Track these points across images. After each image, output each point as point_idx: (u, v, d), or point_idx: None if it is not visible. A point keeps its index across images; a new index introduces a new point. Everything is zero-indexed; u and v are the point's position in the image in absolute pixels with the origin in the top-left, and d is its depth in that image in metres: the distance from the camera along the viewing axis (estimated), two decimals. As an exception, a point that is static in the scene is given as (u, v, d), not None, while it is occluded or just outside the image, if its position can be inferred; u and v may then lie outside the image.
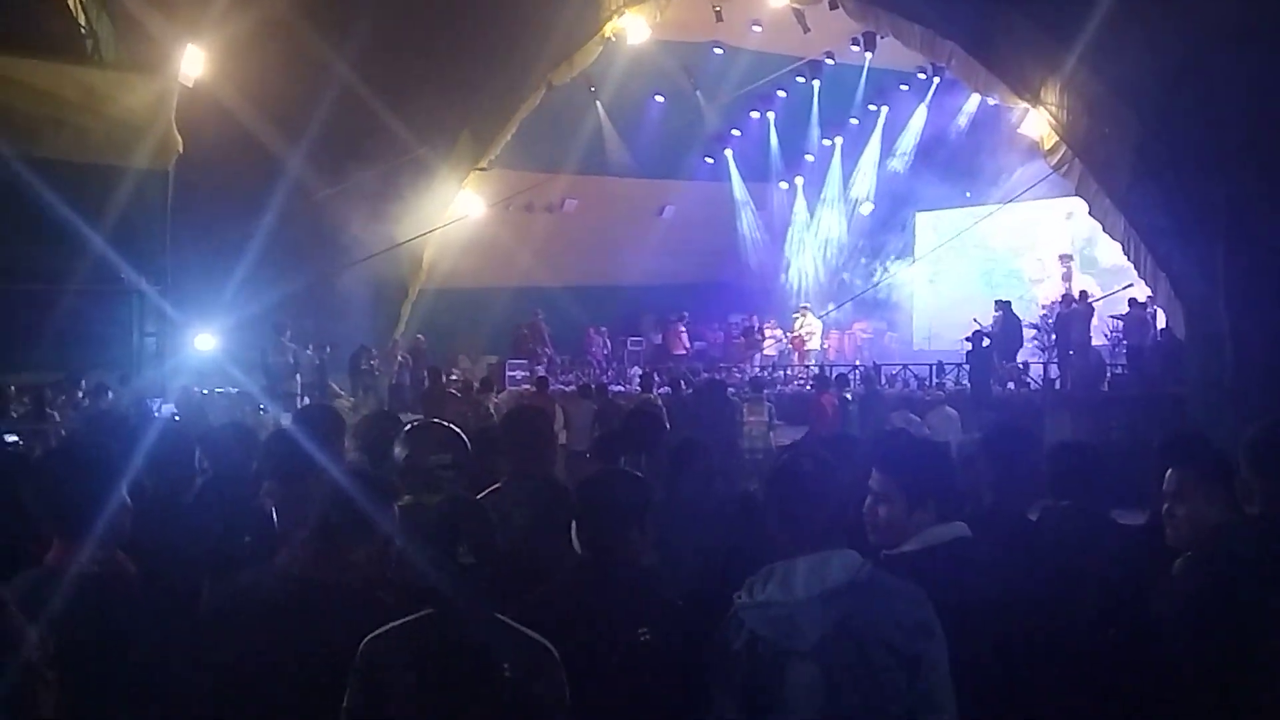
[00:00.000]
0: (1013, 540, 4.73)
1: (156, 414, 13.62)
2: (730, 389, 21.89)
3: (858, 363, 27.47)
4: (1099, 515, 5.37)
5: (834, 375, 23.60)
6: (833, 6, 22.98)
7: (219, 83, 16.54)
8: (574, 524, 4.42)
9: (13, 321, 18.29)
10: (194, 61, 14.77)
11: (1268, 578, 3.60)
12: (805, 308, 29.83)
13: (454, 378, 26.12)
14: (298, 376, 20.98)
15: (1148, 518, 5.27)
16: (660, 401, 18.69)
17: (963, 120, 29.25)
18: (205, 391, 22.13)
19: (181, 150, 14.56)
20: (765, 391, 21.15)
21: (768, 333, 30.01)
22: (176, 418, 14.02)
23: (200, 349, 21.46)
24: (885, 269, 31.32)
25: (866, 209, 32.08)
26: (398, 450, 5.34)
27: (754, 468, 19.37)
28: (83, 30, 15.62)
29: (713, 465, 6.39)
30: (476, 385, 21.98)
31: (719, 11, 24.80)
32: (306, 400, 22.37)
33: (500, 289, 29.06)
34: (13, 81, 13.46)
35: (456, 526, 3.99)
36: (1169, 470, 4.66)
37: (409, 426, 5.58)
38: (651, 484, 4.56)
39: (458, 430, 5.55)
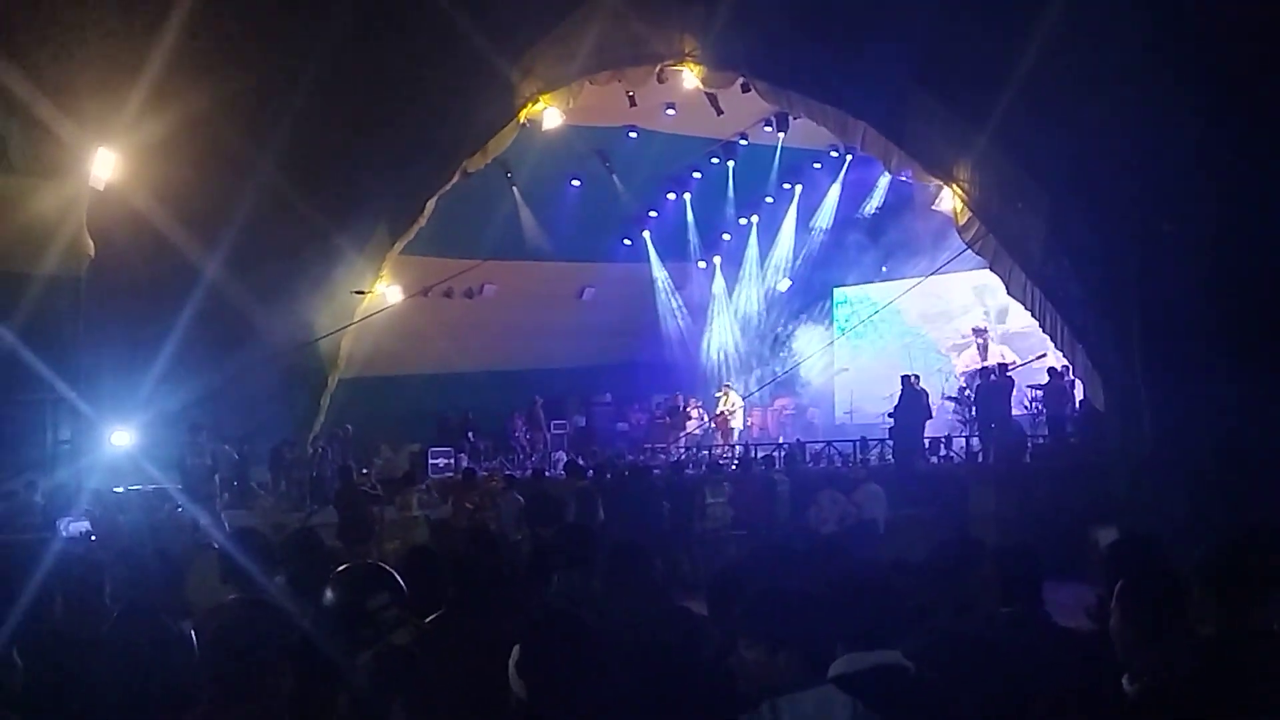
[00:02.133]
0: (962, 660, 4.64)
1: (65, 532, 13.25)
2: (655, 470, 21.88)
3: (781, 439, 27.50)
4: (1048, 625, 5.31)
5: (759, 455, 23.72)
6: (745, 90, 23.20)
7: (130, 185, 16.34)
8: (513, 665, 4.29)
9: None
10: (105, 165, 14.53)
11: (1232, 711, 3.54)
12: (728, 386, 30.00)
13: (375, 464, 25.88)
14: (216, 477, 20.63)
15: (1096, 625, 5.20)
16: (592, 489, 18.54)
17: (877, 197, 29.58)
18: (121, 490, 21.73)
19: (93, 254, 14.31)
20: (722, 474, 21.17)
21: (690, 411, 30.00)
22: (92, 537, 13.67)
23: (116, 445, 21.11)
24: (790, 349, 31.39)
25: (784, 285, 32.29)
26: (329, 595, 5.18)
27: (715, 547, 19.48)
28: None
29: (652, 577, 6.29)
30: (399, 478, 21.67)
31: (632, 96, 24.92)
32: (226, 497, 22.06)
33: (419, 375, 28.87)
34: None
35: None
36: (1118, 584, 4.59)
37: (340, 569, 5.41)
38: (591, 630, 4.41)
39: (387, 568, 5.41)
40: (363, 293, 25.36)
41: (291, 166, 21.65)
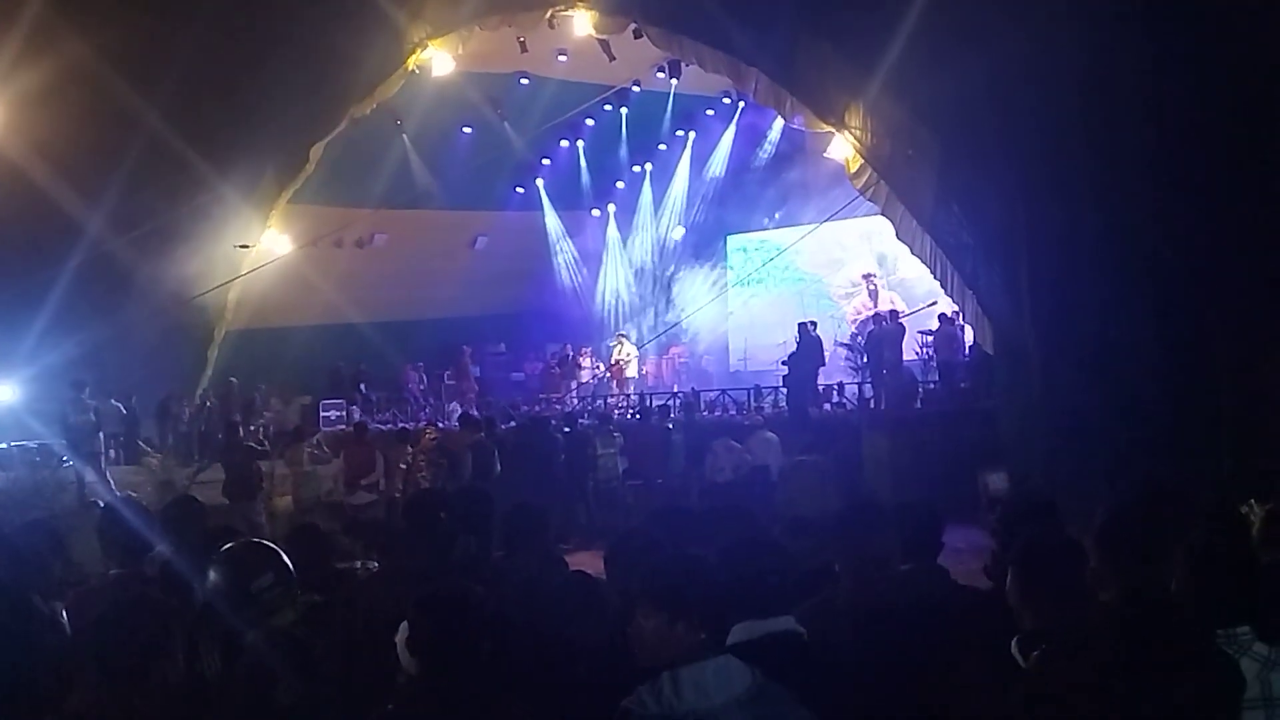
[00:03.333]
0: (859, 624, 4.61)
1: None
2: (551, 420, 21.79)
3: (676, 388, 27.52)
4: (946, 582, 5.29)
5: (655, 404, 23.73)
6: (637, 36, 22.98)
7: (8, 137, 15.82)
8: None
9: None
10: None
11: (1132, 678, 3.53)
12: (622, 335, 29.90)
13: (265, 417, 25.50)
14: (100, 434, 20.16)
15: (991, 586, 5.20)
16: (488, 443, 18.42)
17: (769, 144, 29.56)
18: (4, 445, 21.25)
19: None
20: (613, 424, 21.07)
21: (583, 361, 29.91)
22: None
23: (-2, 399, 20.65)
24: (684, 297, 31.38)
25: (678, 233, 32.24)
26: (213, 576, 5.02)
27: (609, 498, 19.45)
28: None
29: (549, 541, 6.20)
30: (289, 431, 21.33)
31: (523, 42, 24.58)
32: (112, 454, 21.60)
33: (310, 327, 28.44)
34: None
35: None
36: (1015, 548, 4.57)
37: (223, 549, 5.24)
38: (484, 602, 4.31)
39: (272, 546, 5.27)
40: (246, 246, 24.85)
41: (175, 114, 21.14)
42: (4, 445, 21.51)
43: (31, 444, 21.77)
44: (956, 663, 4.49)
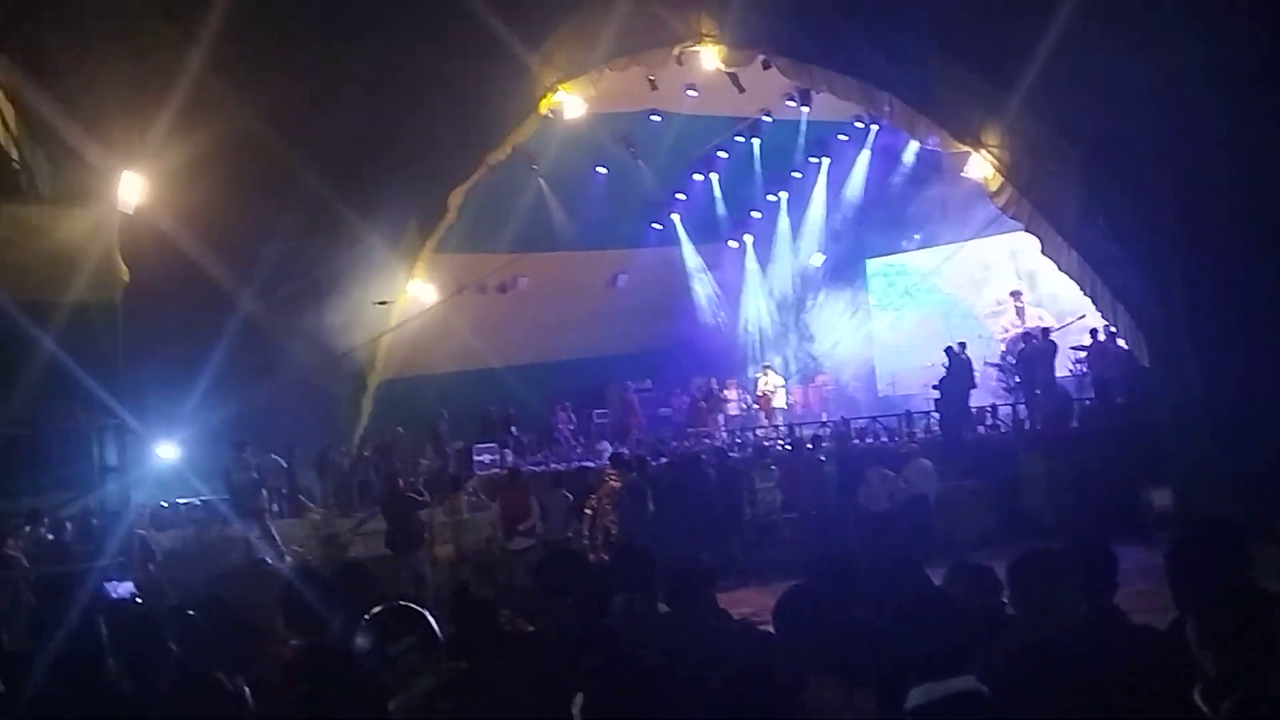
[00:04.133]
0: (1039, 676, 4.51)
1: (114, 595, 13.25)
2: (702, 456, 21.79)
3: (825, 417, 27.33)
4: (1125, 624, 5.17)
5: (805, 434, 23.65)
6: (766, 67, 22.99)
7: (159, 208, 16.39)
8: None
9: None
10: (132, 189, 14.51)
11: None
12: (767, 366, 29.81)
13: (421, 465, 25.89)
14: (264, 491, 20.62)
15: (1170, 624, 5.05)
16: (640, 483, 18.45)
17: (905, 165, 29.28)
18: (166, 504, 21.87)
19: (127, 279, 14.32)
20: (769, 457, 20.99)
21: (728, 394, 29.86)
22: (137, 599, 13.71)
23: (162, 460, 21.19)
24: (828, 323, 31.14)
25: (818, 260, 32.06)
26: (359, 640, 5.09)
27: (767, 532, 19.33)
28: (16, 165, 15.38)
29: (714, 594, 6.17)
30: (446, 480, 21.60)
31: (653, 81, 24.74)
32: (275, 508, 22.03)
33: (458, 373, 28.83)
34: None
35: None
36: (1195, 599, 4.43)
37: (370, 615, 5.28)
38: (657, 671, 4.29)
39: (419, 610, 5.30)
40: (385, 302, 25.28)
41: (326, 173, 21.69)
42: (170, 502, 22.16)
43: (196, 501, 22.42)
44: (1142, 713, 4.39)
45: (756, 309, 33.25)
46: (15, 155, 15.47)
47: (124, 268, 14.22)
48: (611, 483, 18.77)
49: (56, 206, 14.89)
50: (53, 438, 16.11)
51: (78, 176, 15.74)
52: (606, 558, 16.97)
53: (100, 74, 16.42)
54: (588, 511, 18.58)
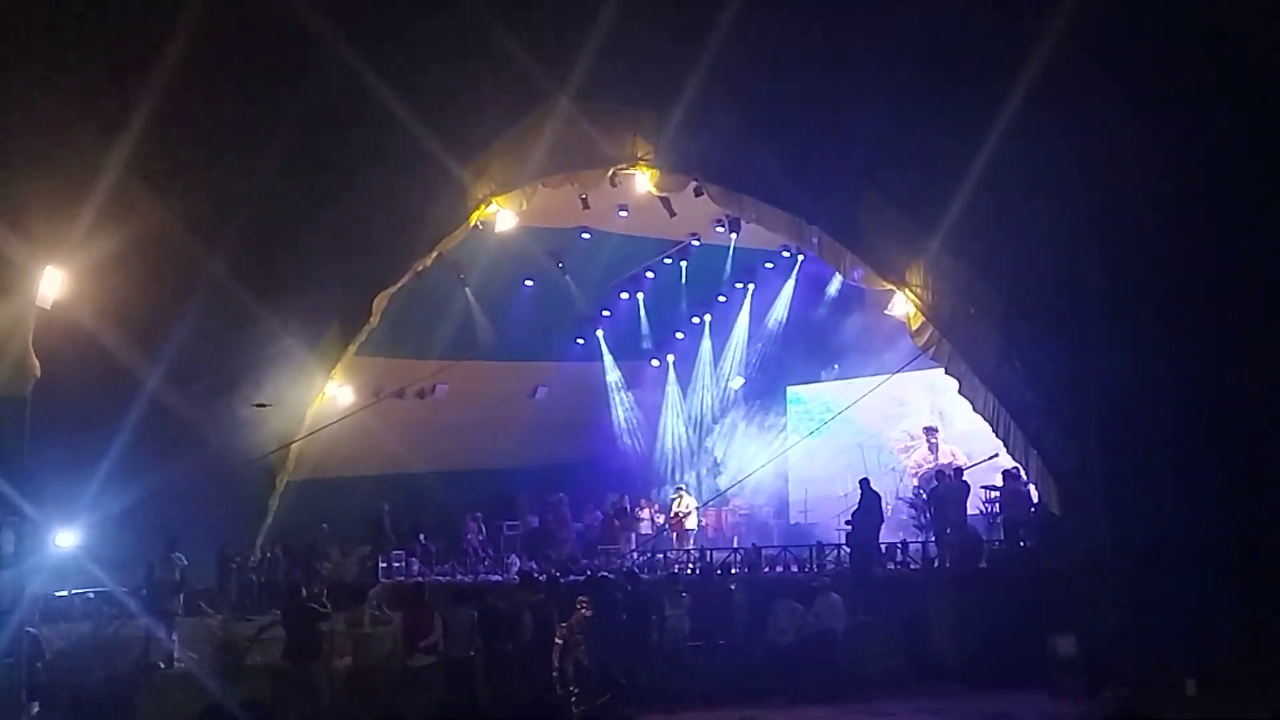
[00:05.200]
0: None
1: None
2: (609, 576, 21.62)
3: (736, 542, 27.25)
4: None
5: (716, 559, 23.60)
6: (698, 194, 23.24)
7: (78, 302, 16.21)
8: None
9: None
10: (53, 283, 14.32)
11: None
12: (681, 488, 29.77)
13: (325, 568, 25.47)
14: (180, 596, 20.16)
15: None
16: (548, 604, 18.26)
17: (830, 295, 29.63)
18: (65, 593, 21.31)
19: (38, 374, 14.05)
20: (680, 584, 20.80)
21: (642, 513, 29.75)
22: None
23: (61, 547, 20.68)
24: (743, 448, 31.20)
25: (737, 383, 32.25)
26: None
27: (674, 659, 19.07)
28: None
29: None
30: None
31: (585, 199, 24.93)
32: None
33: (371, 477, 28.55)
34: None
35: None
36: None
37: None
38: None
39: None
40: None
41: (241, 272, 21.56)
42: (66, 593, 21.60)
43: (91, 593, 21.86)
44: None
45: (674, 429, 33.29)
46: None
47: (36, 362, 13.97)
48: (583, 611, 18.29)
49: (-26, 299, 14.69)
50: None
51: (-2, 270, 15.59)
52: (576, 690, 16.72)
53: (22, 171, 16.29)
54: (559, 641, 17.96)
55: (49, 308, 14.46)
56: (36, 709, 15.03)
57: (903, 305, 21.68)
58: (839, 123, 20.33)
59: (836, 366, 30.08)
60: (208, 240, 20.21)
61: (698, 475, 31.85)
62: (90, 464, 20.75)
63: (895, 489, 25.86)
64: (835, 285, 29.16)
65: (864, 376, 27.29)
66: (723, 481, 30.28)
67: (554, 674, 17.47)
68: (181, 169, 19.08)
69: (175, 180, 18.72)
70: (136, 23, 18.48)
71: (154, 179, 18.16)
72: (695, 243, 28.98)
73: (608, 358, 32.67)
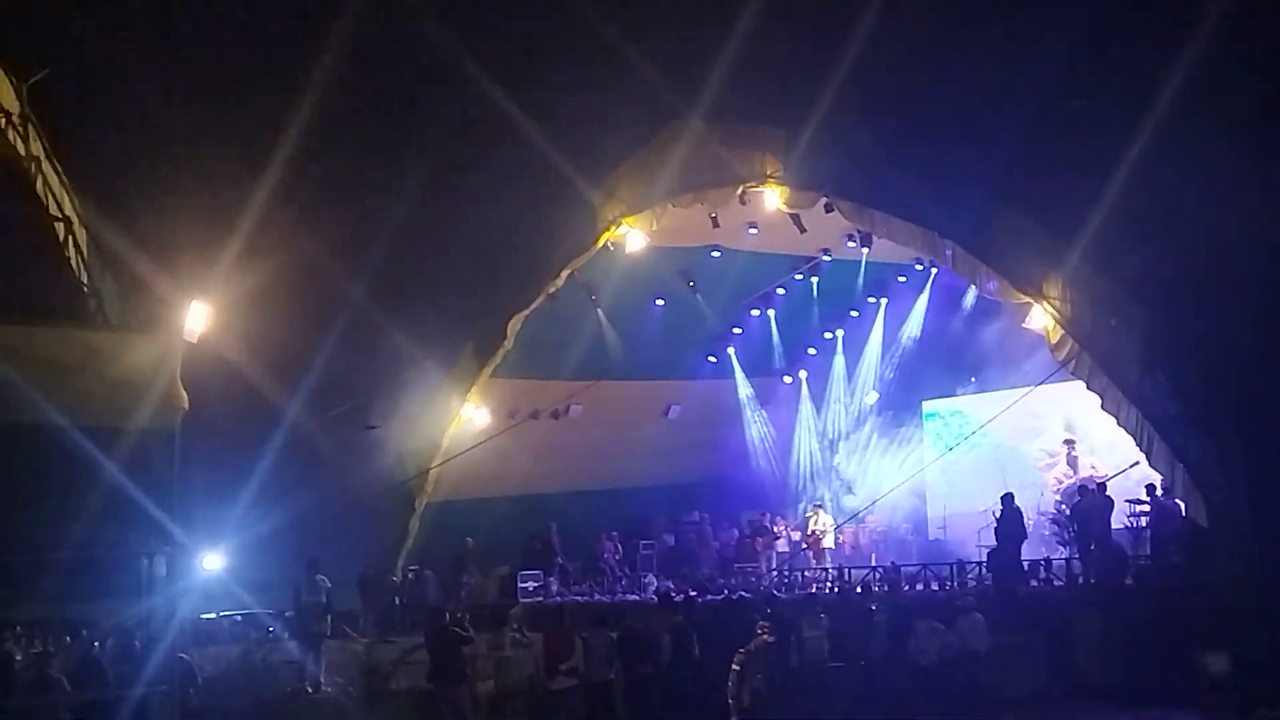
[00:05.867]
0: None
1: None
2: (746, 595, 21.56)
3: (874, 559, 27.00)
4: None
5: (854, 578, 23.40)
6: (828, 210, 23.12)
7: (222, 336, 16.67)
8: None
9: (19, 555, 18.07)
10: (198, 317, 14.75)
11: None
12: (818, 505, 29.53)
13: (465, 585, 25.77)
14: (328, 617, 20.48)
15: None
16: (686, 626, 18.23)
17: (965, 307, 29.21)
18: (213, 615, 21.84)
19: (187, 407, 14.46)
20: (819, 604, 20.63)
21: (778, 530, 29.56)
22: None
23: (207, 570, 21.17)
24: (880, 464, 30.87)
25: (871, 399, 31.93)
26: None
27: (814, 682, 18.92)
28: (85, 291, 15.70)
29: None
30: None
31: (715, 218, 24.91)
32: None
33: (507, 498, 28.82)
34: (15, 351, 13.40)
35: None
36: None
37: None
38: None
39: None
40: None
41: (378, 299, 22.01)
42: (214, 615, 22.11)
43: (238, 616, 22.36)
44: None
45: (808, 446, 33.10)
46: (85, 281, 15.76)
47: (184, 395, 14.38)
48: (764, 638, 17.63)
49: (123, 333, 15.11)
50: (106, 558, 16.17)
51: (145, 305, 16.05)
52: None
53: (169, 206, 16.87)
54: (735, 668, 17.27)
55: (195, 341, 14.89)
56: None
57: (1041, 318, 21.38)
58: (974, 136, 20.11)
59: (974, 380, 29.64)
60: (347, 270, 20.70)
61: (832, 492, 31.59)
62: (234, 490, 21.25)
63: (1036, 504, 25.35)
64: (971, 297, 28.76)
65: (1001, 390, 26.89)
66: (857, 498, 29.99)
67: (729, 701, 17.08)
68: (322, 201, 19.64)
69: (316, 212, 19.25)
70: (280, 59, 19.00)
71: (296, 212, 18.72)
72: (826, 258, 28.78)
73: (740, 375, 32.59)
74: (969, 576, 22.97)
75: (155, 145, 17.88)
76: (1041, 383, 23.83)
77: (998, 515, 22.55)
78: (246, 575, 21.83)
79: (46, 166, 16.42)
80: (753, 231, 26.10)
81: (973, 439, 27.90)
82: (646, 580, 27.05)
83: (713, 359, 32.06)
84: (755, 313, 31.35)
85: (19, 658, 18.83)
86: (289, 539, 22.00)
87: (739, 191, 23.71)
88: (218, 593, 21.76)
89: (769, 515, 30.34)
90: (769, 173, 23.19)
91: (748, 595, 22.04)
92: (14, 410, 13.43)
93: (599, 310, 28.31)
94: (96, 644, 19.02)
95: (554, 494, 29.17)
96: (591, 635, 18.29)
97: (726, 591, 23.98)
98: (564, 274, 25.25)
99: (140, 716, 15.37)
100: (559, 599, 25.17)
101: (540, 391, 28.39)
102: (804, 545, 28.57)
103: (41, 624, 22.98)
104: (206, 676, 18.32)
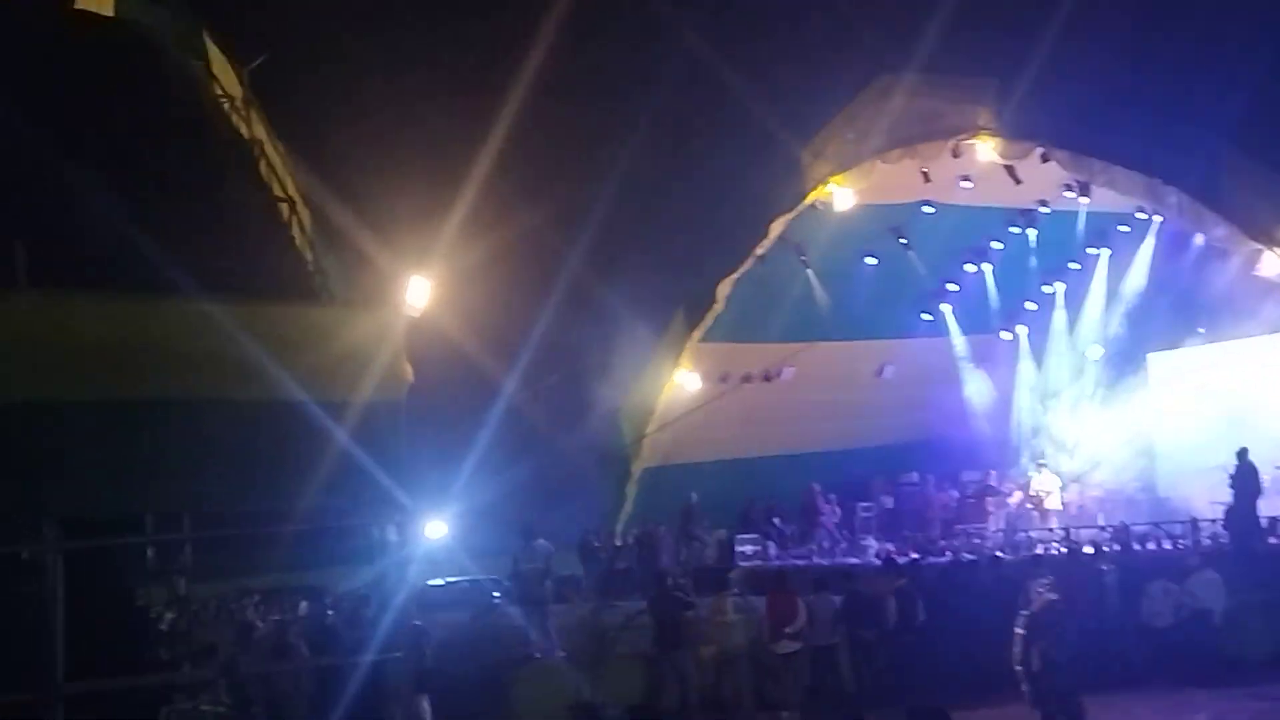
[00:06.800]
0: None
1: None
2: (971, 558, 21.16)
3: (1101, 520, 26.19)
4: None
5: (1082, 538, 22.78)
6: (1044, 159, 22.48)
7: (442, 310, 17.04)
8: None
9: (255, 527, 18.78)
10: (420, 292, 15.08)
11: None
12: (1043, 464, 28.71)
13: (681, 556, 25.88)
14: (547, 582, 20.79)
15: None
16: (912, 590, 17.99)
17: (1192, 256, 27.98)
18: (440, 582, 22.39)
19: (411, 380, 14.79)
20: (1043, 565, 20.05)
21: (1004, 490, 28.80)
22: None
23: (432, 538, 21.68)
24: (1105, 419, 29.82)
25: (1095, 353, 30.85)
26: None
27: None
28: (310, 269, 16.20)
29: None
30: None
31: (926, 173, 24.41)
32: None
33: (719, 461, 28.84)
34: (247, 329, 13.88)
35: None
36: None
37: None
38: None
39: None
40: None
41: (593, 268, 22.23)
42: (440, 581, 22.65)
43: (463, 582, 22.89)
44: None
45: (1028, 403, 32.21)
46: (310, 259, 16.25)
47: (408, 368, 14.69)
48: (1048, 596, 15.74)
49: (347, 309, 15.53)
50: (337, 528, 16.71)
51: (367, 280, 16.48)
52: (1027, 689, 15.03)
53: (390, 183, 17.27)
54: (1020, 631, 15.53)
55: (417, 315, 15.23)
56: (426, 702, 15.79)
57: (1273, 264, 20.47)
58: (1203, 82, 19.33)
59: (1202, 330, 28.42)
60: (564, 241, 20.96)
61: (1054, 450, 30.68)
62: (456, 460, 21.71)
63: (1273, 458, 24.23)
64: (1198, 243, 27.54)
65: (1233, 339, 25.79)
66: (1081, 456, 29.11)
67: (1017, 669, 16.09)
68: (541, 173, 19.90)
69: (534, 185, 19.51)
70: (500, 31, 19.30)
71: (515, 185, 18.98)
72: (1043, 209, 27.90)
73: (955, 332, 31.90)
74: (1203, 535, 22.15)
75: (376, 122, 18.34)
76: (1269, 330, 22.83)
77: (1232, 471, 21.67)
78: (470, 542, 22.33)
79: (269, 149, 16.97)
80: (965, 185, 25.48)
81: (1202, 392, 26.83)
82: (866, 543, 26.76)
83: (927, 316, 31.45)
84: (970, 268, 30.65)
85: (260, 624, 19.62)
86: (509, 507, 22.46)
87: (951, 145, 23.23)
88: (442, 560, 22.31)
89: (994, 474, 29.67)
90: (982, 124, 22.67)
91: (972, 558, 21.61)
92: (251, 386, 13.92)
93: (809, 271, 28.02)
94: (330, 611, 19.70)
95: (765, 457, 29.09)
96: (815, 599, 18.20)
97: (950, 554, 23.58)
98: (772, 235, 25.11)
99: (377, 682, 15.85)
100: (777, 562, 25.07)
101: (750, 355, 28.32)
102: (1028, 505, 27.86)
103: (277, 592, 24.02)
104: (436, 642, 18.74)
